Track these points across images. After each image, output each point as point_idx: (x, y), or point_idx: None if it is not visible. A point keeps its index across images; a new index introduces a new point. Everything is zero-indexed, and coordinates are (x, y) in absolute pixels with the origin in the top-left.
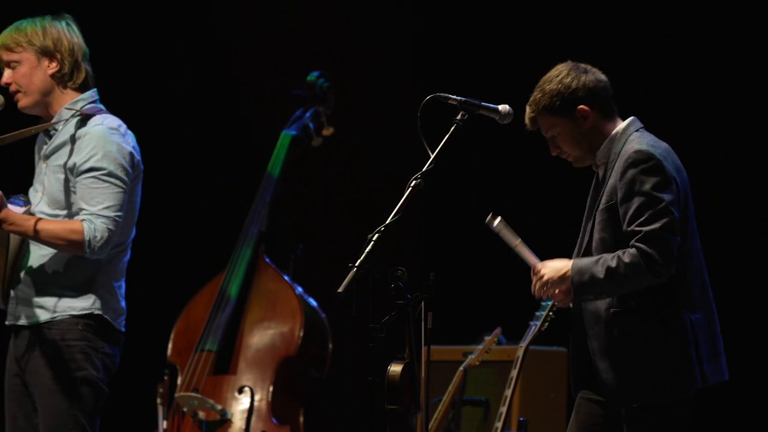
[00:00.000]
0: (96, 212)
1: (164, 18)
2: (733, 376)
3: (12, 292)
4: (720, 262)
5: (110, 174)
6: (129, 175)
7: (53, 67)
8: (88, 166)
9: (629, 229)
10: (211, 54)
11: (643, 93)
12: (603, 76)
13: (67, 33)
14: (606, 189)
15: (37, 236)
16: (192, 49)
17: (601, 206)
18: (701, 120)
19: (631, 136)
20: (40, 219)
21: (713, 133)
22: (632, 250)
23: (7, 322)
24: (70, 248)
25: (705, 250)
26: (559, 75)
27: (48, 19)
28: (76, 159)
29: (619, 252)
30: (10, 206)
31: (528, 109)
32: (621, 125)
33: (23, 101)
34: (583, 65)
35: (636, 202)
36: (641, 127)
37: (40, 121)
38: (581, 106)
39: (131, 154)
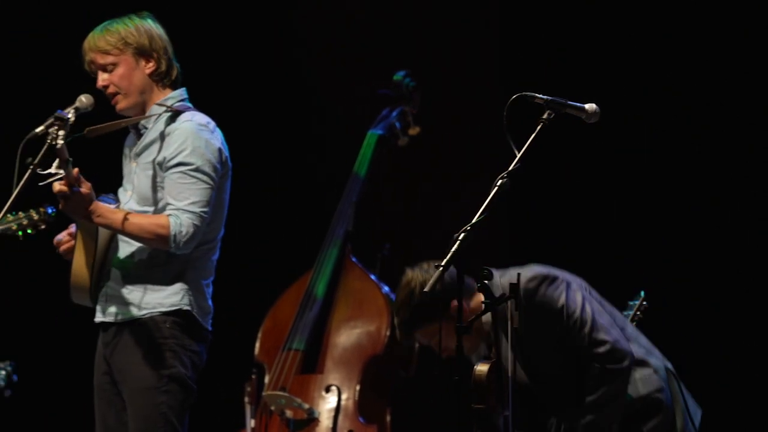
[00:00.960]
0: (182, 207)
1: (250, 17)
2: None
3: (101, 289)
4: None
5: (198, 170)
6: (217, 172)
7: (150, 66)
8: (176, 161)
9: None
10: (298, 54)
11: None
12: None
13: (156, 30)
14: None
15: (124, 229)
16: (278, 49)
17: (531, 340)
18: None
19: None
20: (127, 212)
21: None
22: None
23: (96, 319)
24: (156, 242)
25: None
26: (416, 286)
27: (135, 18)
28: (165, 154)
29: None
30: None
31: (400, 331)
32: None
33: (122, 103)
34: (419, 266)
35: (573, 318)
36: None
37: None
38: (453, 302)
39: (219, 150)
